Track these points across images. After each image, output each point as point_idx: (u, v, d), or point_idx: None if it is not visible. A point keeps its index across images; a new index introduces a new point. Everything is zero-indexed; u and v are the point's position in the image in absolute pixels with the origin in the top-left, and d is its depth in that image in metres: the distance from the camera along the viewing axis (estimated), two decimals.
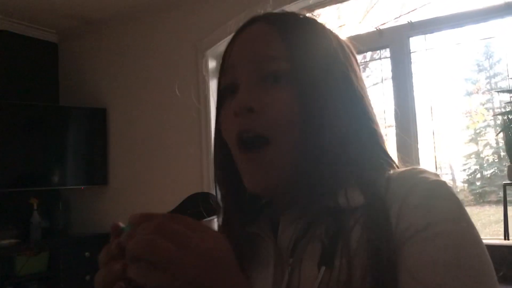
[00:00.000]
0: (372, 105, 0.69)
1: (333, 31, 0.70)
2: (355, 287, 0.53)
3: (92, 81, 4.23)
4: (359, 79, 0.68)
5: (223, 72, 0.68)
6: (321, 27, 0.69)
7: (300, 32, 0.65)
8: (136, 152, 3.92)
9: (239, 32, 0.69)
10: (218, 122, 0.69)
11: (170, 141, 3.73)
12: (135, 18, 3.96)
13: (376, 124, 0.68)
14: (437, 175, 0.59)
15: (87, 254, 3.68)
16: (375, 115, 0.68)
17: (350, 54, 0.69)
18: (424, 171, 0.59)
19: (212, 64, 3.65)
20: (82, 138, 4.11)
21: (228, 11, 3.46)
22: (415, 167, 0.62)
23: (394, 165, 0.67)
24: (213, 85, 3.64)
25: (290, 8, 3.19)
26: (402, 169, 0.64)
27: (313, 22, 0.69)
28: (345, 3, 3.19)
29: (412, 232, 0.53)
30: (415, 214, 0.54)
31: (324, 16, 3.29)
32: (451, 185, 0.58)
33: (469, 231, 0.54)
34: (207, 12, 3.59)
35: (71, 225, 4.16)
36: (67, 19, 4.10)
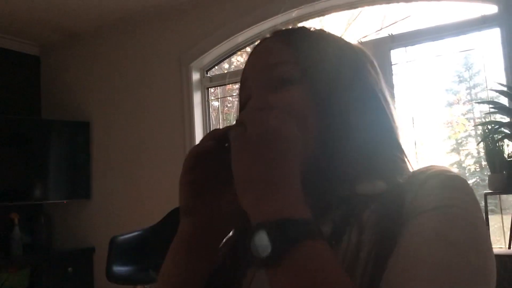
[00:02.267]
0: (394, 108, 0.69)
1: (343, 37, 0.71)
2: (361, 263, 0.53)
3: (75, 94, 4.20)
4: (372, 78, 0.68)
5: (240, 89, 0.71)
6: (329, 34, 0.70)
7: (306, 37, 0.67)
8: (119, 165, 3.89)
9: (253, 49, 0.72)
10: None
11: (154, 154, 3.71)
12: (119, 30, 3.95)
13: (395, 123, 0.68)
14: (459, 173, 0.58)
15: (70, 269, 3.63)
16: (395, 116, 0.68)
17: (363, 58, 0.70)
18: (447, 169, 0.59)
19: (196, 76, 3.66)
20: (65, 152, 4.06)
21: (211, 24, 3.49)
22: (437, 165, 0.61)
23: (410, 164, 0.67)
24: (197, 98, 3.64)
25: (272, 21, 3.22)
26: (423, 166, 0.63)
27: (320, 30, 0.71)
28: (327, 16, 3.23)
29: (420, 211, 0.53)
30: (427, 197, 0.54)
31: None
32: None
33: (479, 223, 0.53)
34: (191, 25, 3.60)
35: (53, 240, 4.09)
36: (49, 32, 4.08)
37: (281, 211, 0.48)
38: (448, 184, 0.56)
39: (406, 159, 0.67)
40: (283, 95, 0.62)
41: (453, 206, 0.52)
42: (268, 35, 0.71)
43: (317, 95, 0.62)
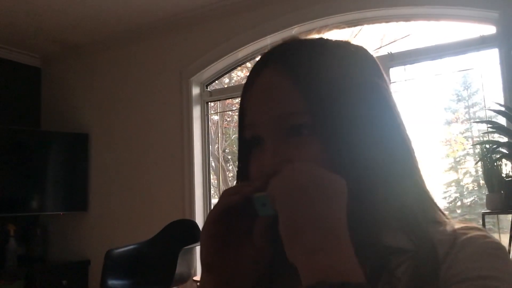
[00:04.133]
0: (409, 135, 0.65)
1: (353, 51, 0.66)
2: None
3: (75, 106, 4.21)
4: (388, 107, 0.63)
5: (244, 125, 0.65)
6: (337, 54, 0.65)
7: (315, 75, 0.60)
8: (117, 178, 3.88)
9: (252, 78, 0.65)
10: (242, 161, 0.67)
11: (152, 167, 3.71)
12: (120, 44, 3.98)
13: (414, 159, 0.64)
14: (497, 240, 0.56)
15: (64, 282, 3.60)
16: (413, 148, 0.64)
17: (376, 75, 0.64)
18: (485, 234, 0.57)
19: (196, 90, 3.67)
20: (63, 163, 4.05)
21: (212, 40, 3.51)
22: (474, 226, 0.58)
23: (439, 211, 0.63)
24: (196, 112, 3.64)
25: (272, 38, 3.24)
26: (463, 224, 0.60)
27: (327, 51, 0.65)
28: (326, 34, 3.25)
29: (462, 278, 0.51)
30: (468, 263, 0.52)
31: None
32: None
33: None
34: (191, 40, 3.63)
35: (48, 252, 4.06)
36: (51, 44, 4.10)
37: (335, 271, 0.46)
38: (486, 252, 0.53)
39: (435, 208, 0.63)
40: (299, 147, 0.59)
41: (492, 277, 0.51)
42: (269, 60, 0.64)
43: (330, 147, 0.58)
